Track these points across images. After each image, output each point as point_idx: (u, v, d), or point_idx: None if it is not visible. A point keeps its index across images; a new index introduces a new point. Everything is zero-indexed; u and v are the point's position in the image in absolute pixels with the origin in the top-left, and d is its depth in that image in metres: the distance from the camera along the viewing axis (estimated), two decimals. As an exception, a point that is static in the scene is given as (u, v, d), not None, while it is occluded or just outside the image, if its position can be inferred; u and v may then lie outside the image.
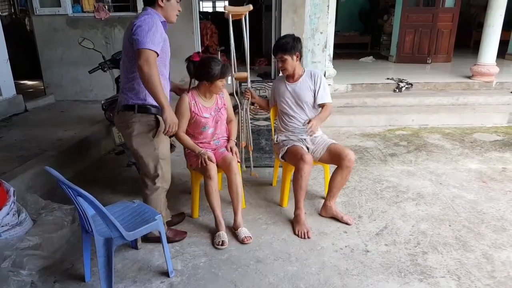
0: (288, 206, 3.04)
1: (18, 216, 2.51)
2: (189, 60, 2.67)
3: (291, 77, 2.98)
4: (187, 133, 2.80)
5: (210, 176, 2.60)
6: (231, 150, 2.83)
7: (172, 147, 3.42)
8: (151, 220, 2.15)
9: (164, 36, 2.25)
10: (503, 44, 6.74)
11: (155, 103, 2.26)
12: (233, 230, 2.70)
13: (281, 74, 3.05)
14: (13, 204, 2.49)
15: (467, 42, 9.39)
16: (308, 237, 2.64)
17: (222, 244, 2.54)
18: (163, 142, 2.45)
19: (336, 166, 2.79)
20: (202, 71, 2.64)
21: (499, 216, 2.87)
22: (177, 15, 2.35)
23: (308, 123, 2.70)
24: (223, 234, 2.61)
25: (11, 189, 2.54)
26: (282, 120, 3.06)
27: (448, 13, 7.50)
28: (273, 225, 2.80)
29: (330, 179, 2.84)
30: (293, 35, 2.89)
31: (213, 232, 2.67)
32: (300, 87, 2.95)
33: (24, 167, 3.20)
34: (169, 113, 2.23)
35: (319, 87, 2.92)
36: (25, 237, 2.42)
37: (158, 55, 2.15)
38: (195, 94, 2.75)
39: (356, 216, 2.90)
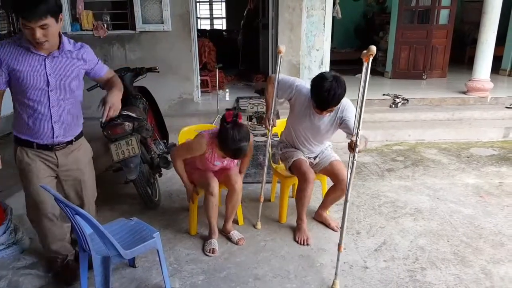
0: (287, 222, 3.04)
1: (15, 235, 2.50)
2: (223, 116, 2.47)
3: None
4: (195, 164, 2.74)
5: (212, 193, 2.62)
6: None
7: (169, 163, 3.44)
8: (149, 238, 2.14)
9: (10, 65, 1.95)
10: (496, 60, 6.83)
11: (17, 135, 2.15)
12: (224, 234, 2.82)
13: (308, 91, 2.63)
14: (9, 222, 2.48)
15: (462, 58, 9.50)
16: (308, 244, 2.72)
17: (213, 252, 2.62)
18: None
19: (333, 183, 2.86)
20: (220, 137, 2.45)
21: (496, 231, 2.87)
22: (37, 42, 1.88)
23: (354, 144, 2.20)
24: (215, 242, 2.69)
25: (8, 208, 2.53)
26: (291, 136, 2.88)
27: (442, 30, 7.61)
28: (272, 242, 2.79)
29: (326, 192, 2.96)
30: (338, 79, 2.43)
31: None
32: (324, 122, 2.68)
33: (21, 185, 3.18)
34: None
35: (346, 120, 2.58)
36: (22, 256, 2.41)
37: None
38: (216, 143, 2.54)
39: (354, 232, 2.89)
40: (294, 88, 2.71)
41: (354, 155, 2.20)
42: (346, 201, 2.29)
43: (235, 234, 2.80)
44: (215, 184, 2.63)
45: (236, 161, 2.77)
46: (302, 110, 2.69)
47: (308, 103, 2.63)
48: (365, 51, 2.14)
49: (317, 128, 2.71)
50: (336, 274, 2.29)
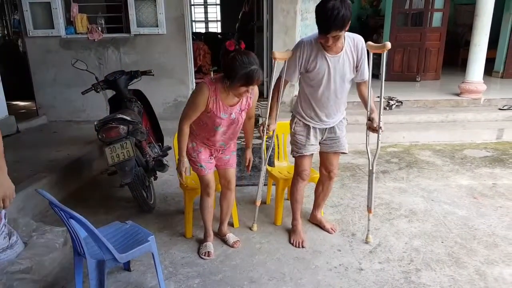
0: (282, 225, 3.04)
1: (9, 239, 2.48)
2: (224, 47, 2.34)
3: (331, 48, 2.39)
4: (197, 123, 2.44)
5: (208, 193, 2.63)
6: (248, 160, 2.72)
7: (164, 166, 3.43)
8: (144, 241, 2.14)
9: None
10: (489, 62, 6.90)
11: None
12: (220, 237, 2.83)
13: (308, 39, 2.50)
14: (4, 226, 2.46)
15: (455, 60, 9.59)
16: (303, 247, 2.73)
17: (208, 255, 2.62)
18: None
19: (319, 177, 2.93)
20: (226, 66, 2.22)
21: (490, 232, 2.89)
22: None
23: (372, 125, 2.58)
24: (210, 245, 2.68)
25: (3, 212, 2.51)
26: (308, 102, 2.61)
27: (436, 32, 7.68)
28: (267, 244, 2.80)
29: (314, 190, 3.00)
30: None
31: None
32: (342, 61, 2.44)
33: (15, 188, 3.16)
34: None
35: (362, 60, 2.48)
36: (16, 261, 2.38)
37: None
38: (219, 88, 2.30)
39: (349, 234, 2.90)
40: (302, 48, 2.47)
41: (379, 136, 2.61)
42: (372, 173, 2.71)
43: (230, 236, 2.80)
44: (212, 184, 2.62)
45: (244, 109, 2.45)
46: (318, 58, 2.44)
47: (315, 47, 2.43)
48: (370, 42, 2.53)
49: (339, 72, 2.46)
50: (368, 230, 2.82)
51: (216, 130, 2.42)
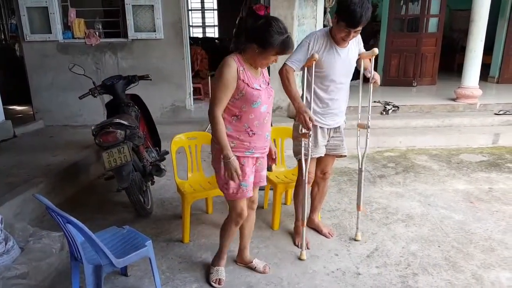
0: (280, 229, 3.04)
1: (5, 244, 2.47)
2: (250, 10, 2.12)
3: (342, 42, 2.50)
4: (231, 113, 2.12)
5: (238, 223, 2.29)
6: (272, 154, 2.45)
7: (162, 171, 3.43)
8: (141, 246, 2.13)
9: None
10: (485, 67, 6.94)
11: None
12: (242, 265, 2.56)
13: (320, 32, 2.57)
14: (0, 232, 2.46)
15: (451, 65, 9.65)
16: (308, 248, 2.74)
17: (219, 283, 2.37)
18: None
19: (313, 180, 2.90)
20: (259, 31, 1.98)
21: (487, 236, 2.90)
22: None
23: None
24: (222, 271, 2.43)
25: (-1, 217, 2.51)
26: (314, 97, 2.61)
27: (431, 37, 7.74)
28: (265, 249, 2.79)
29: (310, 193, 2.97)
30: None
31: (205, 258, 2.64)
32: (350, 51, 2.58)
33: (12, 193, 3.16)
34: None
35: (361, 45, 2.71)
36: (12, 266, 2.37)
37: None
38: (241, 59, 2.09)
39: (347, 239, 2.91)
40: (315, 38, 2.51)
41: (367, 135, 2.88)
42: (361, 171, 2.89)
43: (258, 262, 2.54)
44: (245, 213, 2.27)
45: (268, 80, 2.23)
46: (330, 50, 2.51)
47: (327, 40, 2.50)
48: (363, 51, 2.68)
49: (347, 62, 2.58)
50: (357, 228, 2.92)
51: (258, 108, 2.10)
